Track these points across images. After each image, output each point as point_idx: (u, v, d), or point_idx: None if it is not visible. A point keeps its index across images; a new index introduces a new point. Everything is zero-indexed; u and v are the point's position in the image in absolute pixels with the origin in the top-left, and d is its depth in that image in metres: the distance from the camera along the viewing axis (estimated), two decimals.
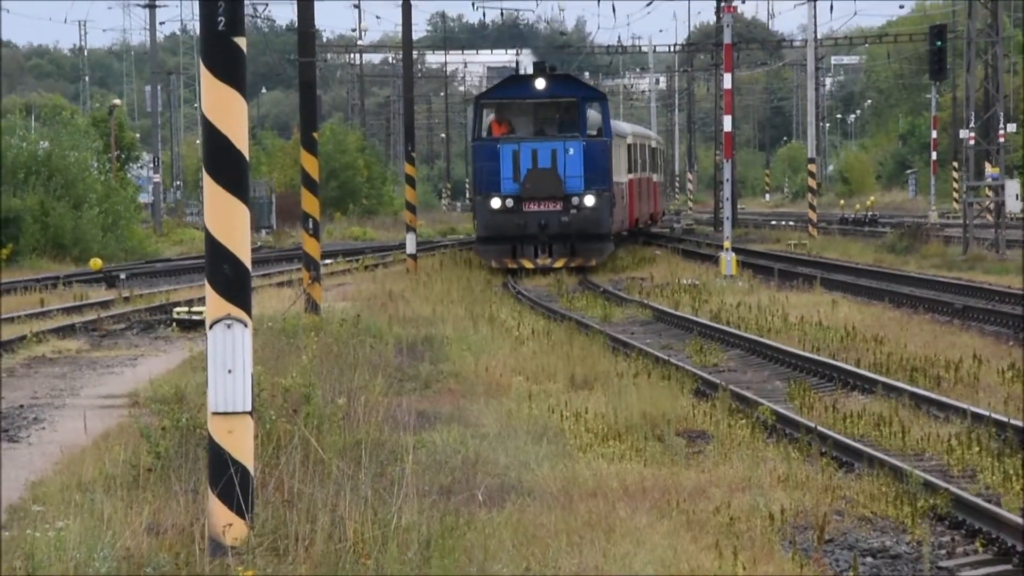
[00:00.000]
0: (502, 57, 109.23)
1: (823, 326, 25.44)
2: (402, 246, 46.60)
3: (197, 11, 9.20)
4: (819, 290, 32.96)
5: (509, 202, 40.44)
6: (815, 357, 21.47)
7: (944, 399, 17.18)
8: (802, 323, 26.05)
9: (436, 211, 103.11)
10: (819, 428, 15.43)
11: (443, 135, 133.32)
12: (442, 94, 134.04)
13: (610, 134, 42.85)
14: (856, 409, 17.17)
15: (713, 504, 12.50)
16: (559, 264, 40.45)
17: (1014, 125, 55.59)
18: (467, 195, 66.22)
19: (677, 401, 17.50)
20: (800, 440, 15.18)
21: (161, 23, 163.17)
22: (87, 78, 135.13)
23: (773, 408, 16.73)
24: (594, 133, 42.36)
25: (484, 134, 42.10)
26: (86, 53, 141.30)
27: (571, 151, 40.72)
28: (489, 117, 42.60)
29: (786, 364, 21.84)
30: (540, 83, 41.72)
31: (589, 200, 40.52)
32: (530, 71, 44.23)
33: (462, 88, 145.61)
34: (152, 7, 72.50)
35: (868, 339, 23.68)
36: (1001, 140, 47.13)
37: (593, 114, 43.28)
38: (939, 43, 55.69)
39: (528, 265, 40.51)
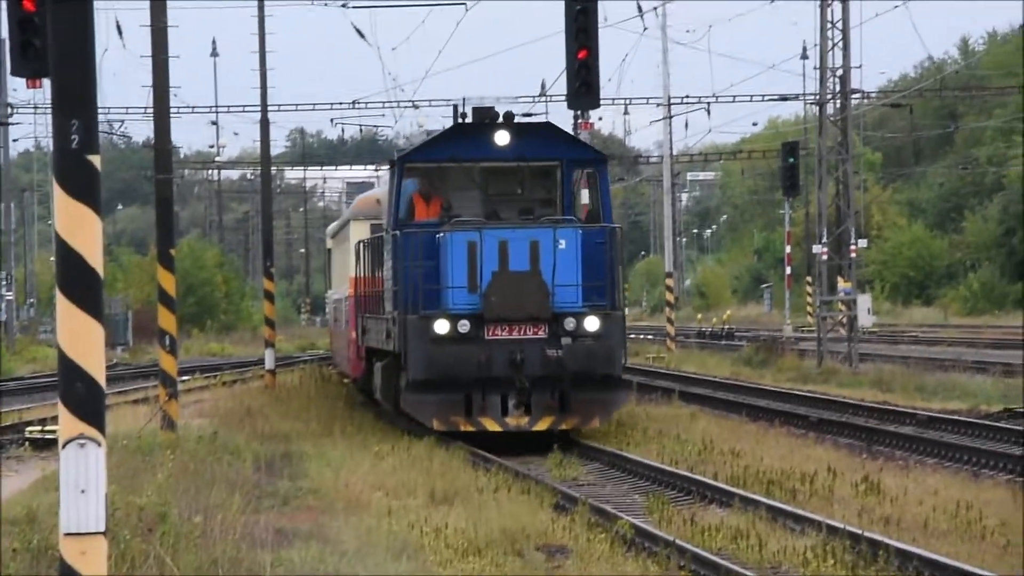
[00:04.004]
0: (361, 173, 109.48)
1: (681, 439, 25.61)
2: (261, 362, 46.29)
3: (51, 128, 9.13)
4: (677, 403, 33.20)
5: (464, 325, 25.16)
6: (673, 470, 21.59)
7: (800, 511, 17.33)
8: (660, 436, 26.21)
9: (295, 326, 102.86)
10: (677, 541, 15.48)
11: (302, 250, 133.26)
12: (301, 209, 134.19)
13: (610, 218, 26.77)
14: (714, 522, 17.27)
15: None
16: (543, 426, 25.44)
17: (865, 240, 56.68)
18: (325, 309, 65.24)
19: (537, 515, 17.49)
20: (659, 554, 15.23)
21: (15, 140, 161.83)
22: None
23: (632, 522, 16.78)
24: (589, 217, 27.24)
25: (403, 215, 26.82)
26: None
27: (562, 244, 25.27)
28: (413, 188, 27.19)
29: (645, 477, 21.94)
30: (502, 137, 26.48)
31: (591, 323, 25.34)
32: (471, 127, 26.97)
33: (321, 204, 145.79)
34: (5, 124, 71.83)
35: (725, 452, 23.87)
36: (853, 255, 48.00)
37: (587, 187, 27.83)
38: (791, 160, 56.80)
39: (493, 428, 25.43)
